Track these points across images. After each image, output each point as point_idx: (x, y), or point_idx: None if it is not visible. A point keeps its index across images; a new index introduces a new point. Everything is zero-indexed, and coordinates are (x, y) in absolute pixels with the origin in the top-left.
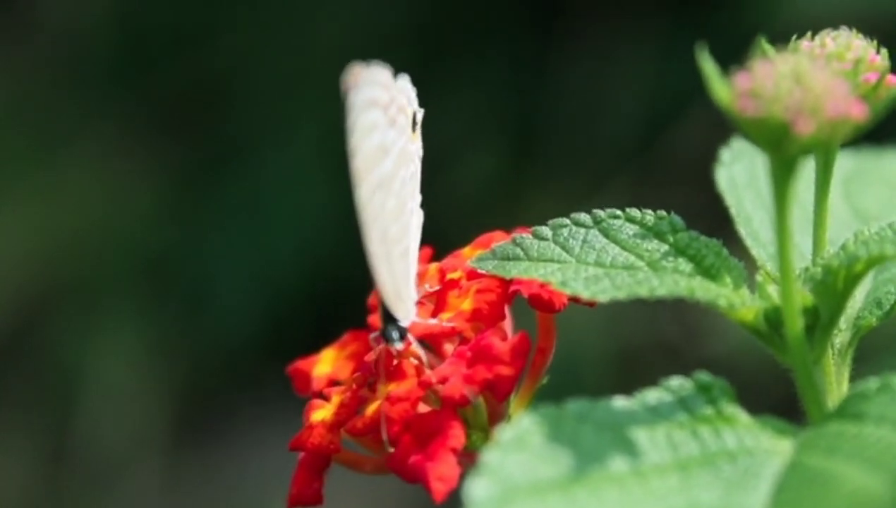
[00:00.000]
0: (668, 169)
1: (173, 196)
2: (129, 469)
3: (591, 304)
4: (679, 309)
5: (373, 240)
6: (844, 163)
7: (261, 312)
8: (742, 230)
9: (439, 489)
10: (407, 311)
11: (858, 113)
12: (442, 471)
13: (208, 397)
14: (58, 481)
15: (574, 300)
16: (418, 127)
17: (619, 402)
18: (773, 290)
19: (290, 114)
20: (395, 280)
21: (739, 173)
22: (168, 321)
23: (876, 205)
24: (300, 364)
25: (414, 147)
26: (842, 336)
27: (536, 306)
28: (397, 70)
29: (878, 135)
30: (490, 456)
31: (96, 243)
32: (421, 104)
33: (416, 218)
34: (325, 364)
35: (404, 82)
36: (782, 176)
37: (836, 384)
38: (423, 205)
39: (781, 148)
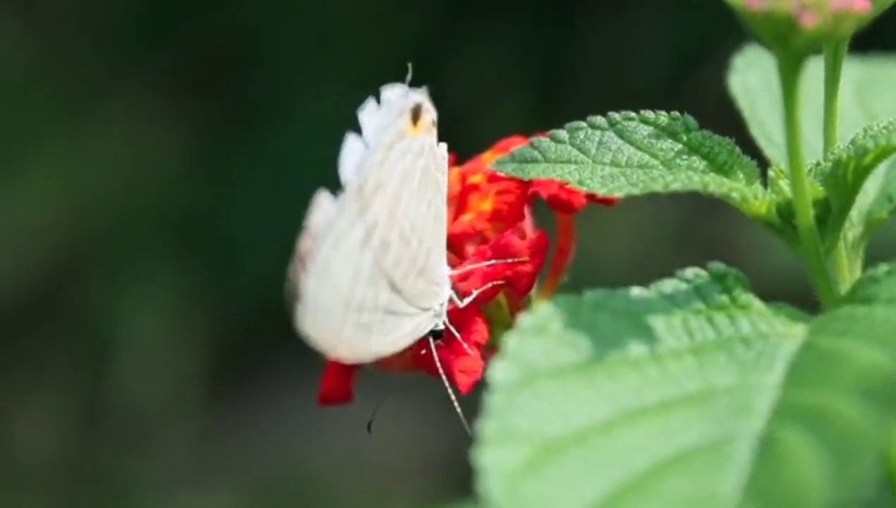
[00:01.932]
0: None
1: (201, 154)
2: (164, 424)
3: (608, 203)
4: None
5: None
6: (856, 70)
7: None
8: (755, 132)
9: (464, 381)
10: (437, 312)
11: (861, 6)
12: (466, 364)
13: (242, 350)
14: (93, 438)
15: (591, 200)
16: (423, 111)
17: (636, 291)
18: (784, 184)
19: (316, 70)
20: (413, 301)
21: (752, 79)
22: (199, 277)
23: (888, 110)
24: None
25: (418, 140)
26: (854, 230)
27: (555, 207)
28: (423, 26)
29: (889, 44)
30: (511, 342)
31: (126, 202)
32: (447, 59)
33: (436, 199)
34: None
35: (392, 101)
36: (789, 70)
37: (849, 275)
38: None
39: (787, 42)
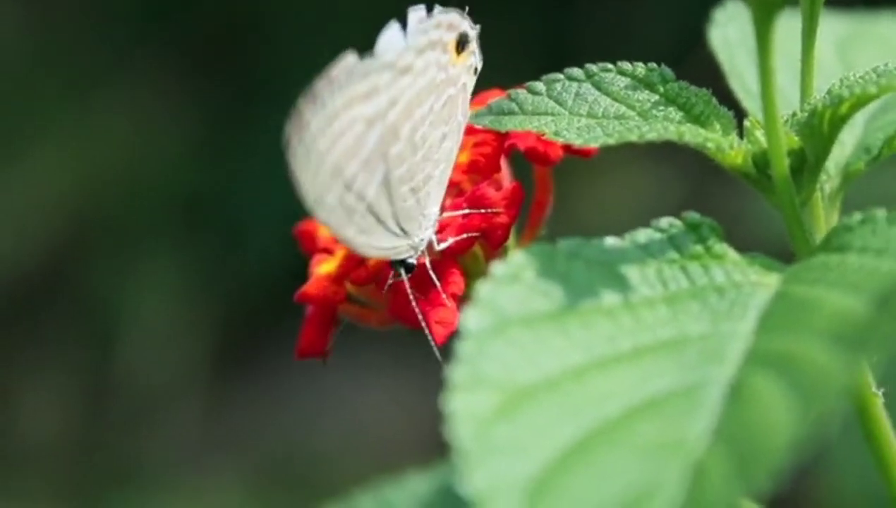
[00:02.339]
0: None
1: (207, 133)
2: (171, 404)
3: (585, 154)
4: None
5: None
6: (840, 26)
7: (296, 244)
8: (734, 84)
9: (439, 332)
10: (414, 245)
11: None
12: (442, 315)
13: (247, 330)
14: (99, 417)
15: (569, 151)
16: (470, 46)
17: (611, 240)
18: (760, 135)
19: (323, 49)
20: (399, 218)
21: (732, 33)
22: (205, 256)
23: (870, 64)
24: (306, 225)
25: (456, 70)
26: (831, 182)
27: (533, 159)
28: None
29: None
30: (483, 290)
31: (132, 181)
32: None
33: (451, 139)
34: None
35: (442, 13)
36: (763, 19)
37: (826, 226)
38: None
39: None
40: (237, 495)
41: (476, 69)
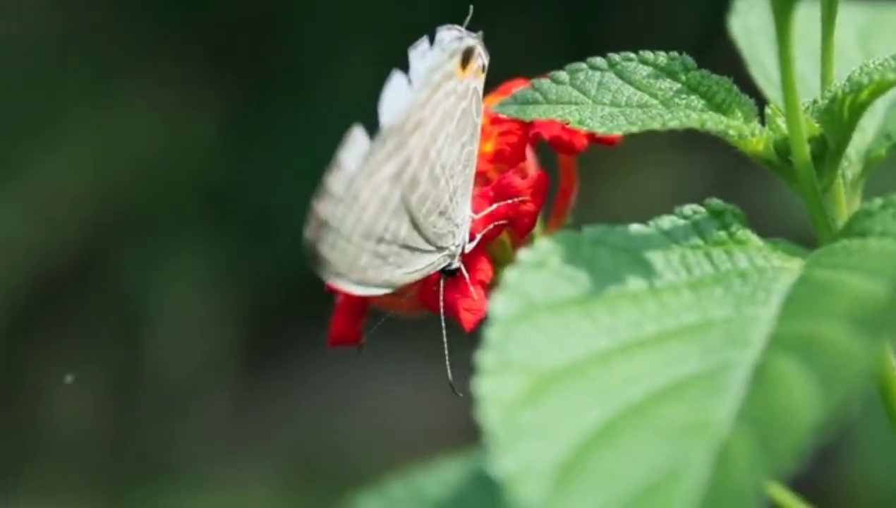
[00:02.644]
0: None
1: (233, 124)
2: (199, 396)
3: (609, 143)
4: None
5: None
6: (860, 14)
7: None
8: (755, 72)
9: (468, 318)
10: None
11: None
12: (470, 303)
13: (275, 322)
14: (129, 410)
15: (593, 140)
16: (473, 55)
17: (635, 227)
18: (781, 122)
19: (349, 39)
20: (432, 240)
21: (753, 21)
22: (232, 247)
23: (890, 52)
24: None
25: (464, 84)
26: (853, 168)
27: (557, 147)
28: None
29: None
30: (511, 276)
31: (158, 173)
32: (477, 28)
33: (471, 144)
34: None
35: (439, 50)
36: (782, 6)
37: (848, 212)
38: None
39: None
40: (266, 487)
41: (484, 66)
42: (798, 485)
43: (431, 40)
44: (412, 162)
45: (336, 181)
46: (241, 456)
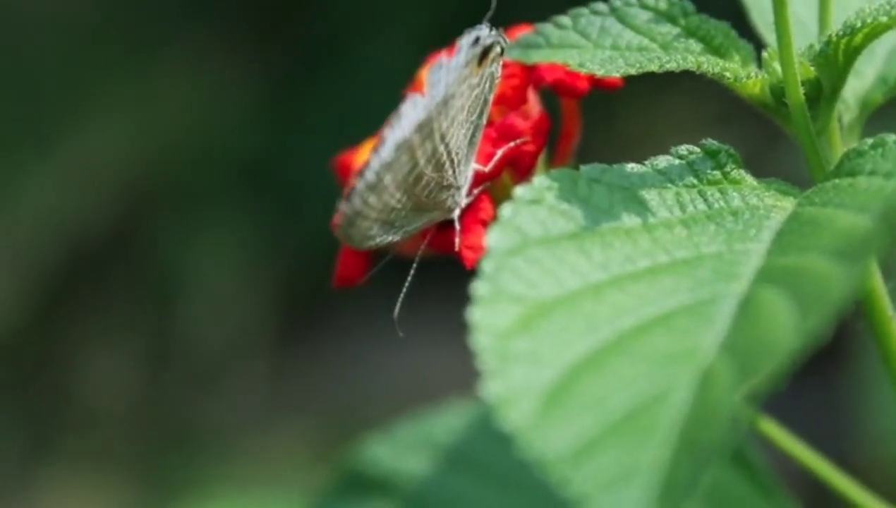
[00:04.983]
0: None
1: (268, 98)
2: (235, 367)
3: (610, 86)
4: None
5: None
6: None
7: None
8: (756, 19)
9: (469, 256)
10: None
11: None
12: (472, 241)
13: (310, 293)
14: (163, 381)
15: (595, 84)
16: (491, 52)
17: (631, 166)
18: (777, 66)
19: (384, 15)
20: (433, 204)
21: None
22: (268, 220)
23: None
24: (344, 156)
25: (478, 77)
26: (850, 113)
27: (559, 91)
28: None
29: None
30: (506, 211)
31: (195, 146)
32: (510, 5)
33: (477, 123)
34: (367, 152)
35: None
36: None
37: None
38: None
39: None
40: (301, 458)
41: (502, 52)
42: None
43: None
44: (419, 164)
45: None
46: (277, 426)
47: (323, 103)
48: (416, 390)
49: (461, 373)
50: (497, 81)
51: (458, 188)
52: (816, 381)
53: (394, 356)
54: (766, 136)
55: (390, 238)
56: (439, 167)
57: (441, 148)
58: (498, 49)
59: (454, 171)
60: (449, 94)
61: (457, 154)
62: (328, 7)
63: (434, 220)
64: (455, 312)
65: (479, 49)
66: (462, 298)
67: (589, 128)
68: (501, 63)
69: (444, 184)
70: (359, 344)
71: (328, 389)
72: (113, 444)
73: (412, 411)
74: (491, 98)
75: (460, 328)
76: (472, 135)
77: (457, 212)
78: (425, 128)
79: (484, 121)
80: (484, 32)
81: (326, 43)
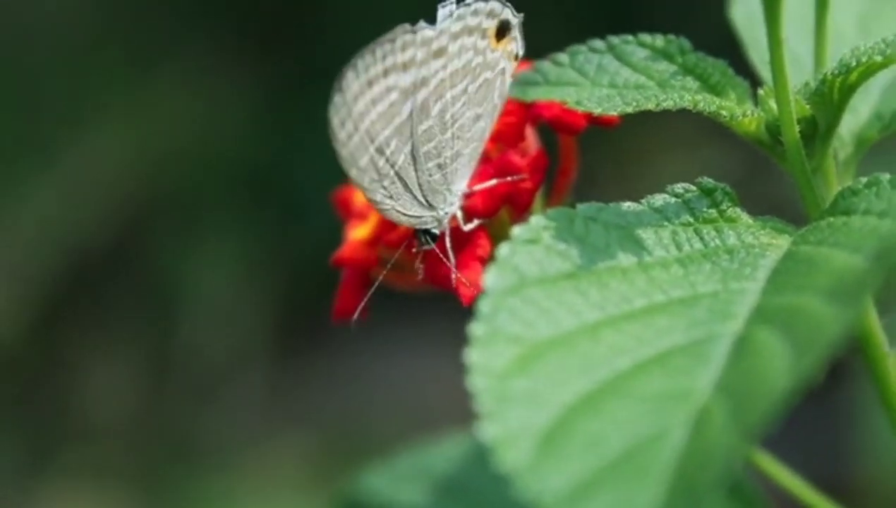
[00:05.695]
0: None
1: (269, 108)
2: (233, 378)
3: (608, 123)
4: None
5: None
6: (861, 2)
7: None
8: (753, 56)
9: (466, 293)
10: (438, 218)
11: None
12: (469, 278)
13: (309, 305)
14: (162, 390)
15: (592, 121)
16: (511, 32)
17: (628, 205)
18: (773, 103)
19: (384, 22)
20: (424, 190)
21: (753, 4)
22: (268, 230)
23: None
24: (344, 192)
25: (494, 55)
26: (845, 149)
27: (557, 128)
28: None
29: None
30: (503, 250)
31: (195, 156)
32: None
33: (485, 120)
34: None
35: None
36: None
37: None
38: None
39: None
40: (299, 470)
41: (517, 55)
42: (821, 484)
43: None
44: (428, 85)
45: (366, 57)
46: (273, 440)
47: (322, 115)
48: (414, 403)
49: (460, 387)
50: (506, 91)
51: (450, 191)
52: (813, 404)
53: (392, 369)
54: (765, 159)
55: (378, 199)
56: (443, 125)
57: (449, 95)
58: (515, 46)
59: (452, 157)
60: (466, 23)
61: (459, 135)
62: (328, 19)
63: (420, 222)
64: (454, 325)
65: (502, 13)
66: (461, 311)
67: (584, 143)
68: (514, 65)
69: (443, 159)
70: (357, 357)
71: (327, 402)
72: (112, 457)
73: (410, 424)
74: (499, 107)
75: (459, 341)
76: (474, 139)
77: (440, 227)
78: (441, 39)
79: (488, 129)
80: (508, 10)
81: (326, 54)
